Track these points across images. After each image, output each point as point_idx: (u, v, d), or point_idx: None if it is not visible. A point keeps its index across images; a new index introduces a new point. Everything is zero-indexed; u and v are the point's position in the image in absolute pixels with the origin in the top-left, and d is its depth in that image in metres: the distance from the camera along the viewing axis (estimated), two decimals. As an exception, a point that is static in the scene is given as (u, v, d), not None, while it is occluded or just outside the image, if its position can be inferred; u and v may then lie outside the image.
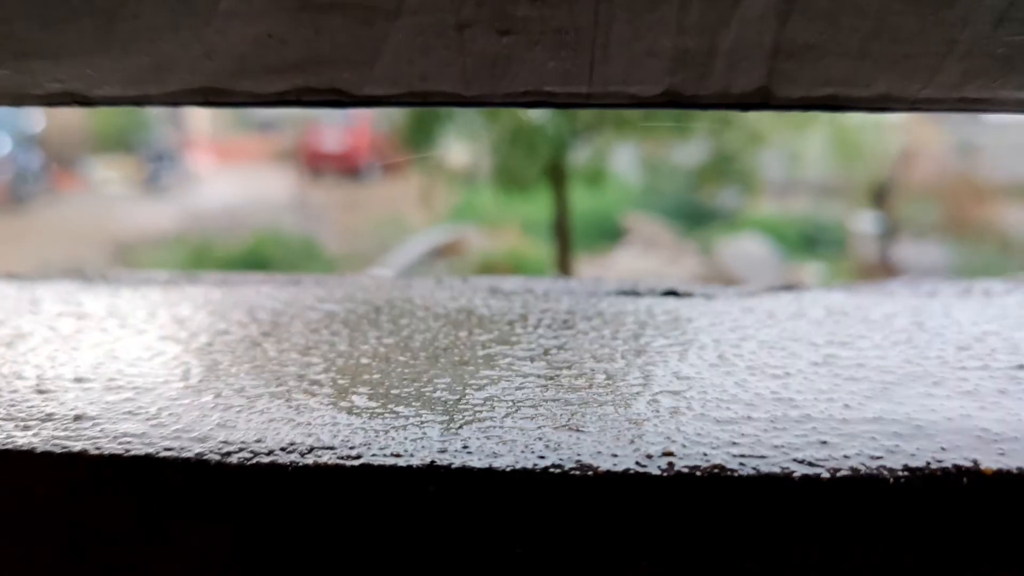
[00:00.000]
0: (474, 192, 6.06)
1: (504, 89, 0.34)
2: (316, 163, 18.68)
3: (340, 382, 0.56)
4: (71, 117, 16.71)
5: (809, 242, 13.07)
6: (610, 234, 13.49)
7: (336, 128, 18.51)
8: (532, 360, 0.60)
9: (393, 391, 0.54)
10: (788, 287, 0.68)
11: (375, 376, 0.56)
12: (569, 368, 0.58)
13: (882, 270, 9.29)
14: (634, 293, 0.67)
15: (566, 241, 6.02)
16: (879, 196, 7.17)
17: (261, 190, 16.67)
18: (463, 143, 6.15)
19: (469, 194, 5.60)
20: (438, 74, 0.33)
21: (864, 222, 14.54)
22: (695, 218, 14.51)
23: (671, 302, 0.68)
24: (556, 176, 5.88)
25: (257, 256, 10.15)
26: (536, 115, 5.08)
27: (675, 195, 13.90)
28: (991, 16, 0.29)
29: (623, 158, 7.92)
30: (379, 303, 0.67)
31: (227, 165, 21.14)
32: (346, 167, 18.86)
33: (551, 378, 0.56)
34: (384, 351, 0.61)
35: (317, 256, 11.02)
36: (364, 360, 0.59)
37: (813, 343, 0.61)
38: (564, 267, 6.04)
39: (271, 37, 0.33)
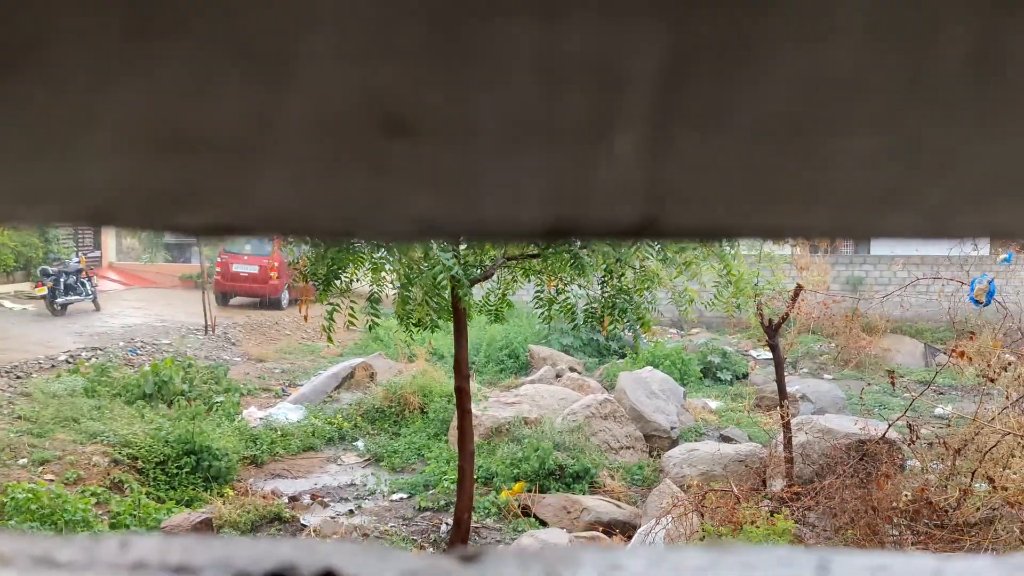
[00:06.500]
0: (384, 321, 6.07)
1: (385, 225, 0.36)
2: (227, 288, 18.51)
3: None
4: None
5: (709, 374, 13.47)
6: (517, 364, 13.66)
7: (247, 256, 18.42)
8: None
9: None
10: None
11: None
12: None
13: (778, 400, 9.64)
14: None
15: (465, 376, 6.13)
16: (772, 331, 7.53)
17: (168, 313, 16.40)
18: (370, 274, 6.23)
19: (379, 324, 5.64)
20: (316, 209, 0.35)
21: (759, 355, 15.08)
22: (597, 351, 14.80)
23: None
24: (456, 314, 5.98)
25: (157, 383, 9.82)
26: (438, 253, 5.23)
27: (575, 330, 14.17)
28: (859, 158, 0.32)
29: (526, 293, 8.16)
30: None
31: (134, 288, 20.77)
32: (257, 293, 18.72)
33: None
34: None
35: (222, 383, 10.77)
36: None
37: None
38: (461, 398, 6.13)
39: (137, 173, 0.33)
